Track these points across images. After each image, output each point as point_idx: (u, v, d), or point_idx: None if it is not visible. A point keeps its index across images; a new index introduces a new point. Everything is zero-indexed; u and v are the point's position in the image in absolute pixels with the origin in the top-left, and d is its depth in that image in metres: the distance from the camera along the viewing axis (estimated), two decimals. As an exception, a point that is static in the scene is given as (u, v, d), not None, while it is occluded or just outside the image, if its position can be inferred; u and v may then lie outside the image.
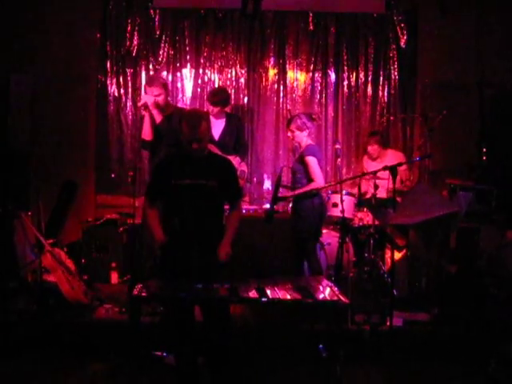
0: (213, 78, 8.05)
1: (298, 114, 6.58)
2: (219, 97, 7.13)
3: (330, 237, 6.89)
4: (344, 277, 6.17)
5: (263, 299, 4.24)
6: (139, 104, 6.31)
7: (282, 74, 8.07)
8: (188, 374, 4.62)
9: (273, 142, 8.11)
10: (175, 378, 4.66)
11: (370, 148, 7.39)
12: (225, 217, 4.90)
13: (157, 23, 7.93)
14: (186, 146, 4.56)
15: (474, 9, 7.80)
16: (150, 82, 6.35)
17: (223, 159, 4.95)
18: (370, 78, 8.06)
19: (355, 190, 6.82)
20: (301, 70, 8.05)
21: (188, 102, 8.02)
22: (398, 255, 6.49)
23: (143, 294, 4.25)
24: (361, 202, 6.78)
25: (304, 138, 6.32)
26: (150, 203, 4.77)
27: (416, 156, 7.45)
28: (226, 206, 4.92)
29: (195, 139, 4.51)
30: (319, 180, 6.16)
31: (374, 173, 6.09)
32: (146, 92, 6.30)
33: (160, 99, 6.16)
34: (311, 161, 6.16)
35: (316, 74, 8.05)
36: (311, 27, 7.98)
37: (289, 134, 6.47)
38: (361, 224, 6.77)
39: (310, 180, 6.18)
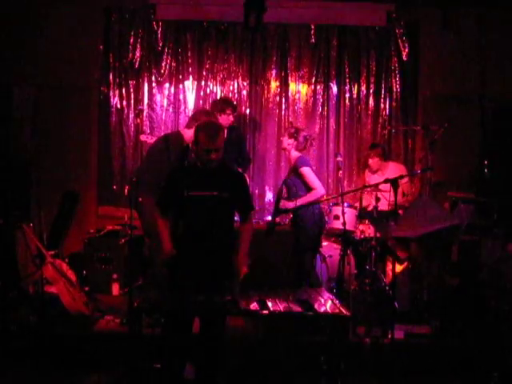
0: (215, 90, 8.05)
1: (298, 127, 6.56)
2: (233, 103, 7.26)
3: (331, 249, 6.85)
4: (345, 289, 6.16)
5: (264, 311, 4.23)
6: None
7: (284, 86, 8.08)
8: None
9: (274, 155, 8.10)
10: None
11: (370, 161, 7.36)
12: (235, 228, 4.87)
13: (159, 35, 7.94)
14: (203, 156, 4.55)
15: (475, 22, 7.83)
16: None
17: (235, 171, 5.04)
18: (371, 91, 8.06)
19: (357, 203, 6.81)
20: (303, 82, 8.06)
21: (190, 114, 8.00)
22: (399, 268, 6.48)
23: (144, 306, 4.24)
24: (362, 215, 6.77)
25: (289, 147, 6.17)
26: (160, 213, 4.75)
27: (417, 168, 7.46)
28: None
29: (214, 149, 4.51)
30: (319, 188, 6.04)
31: (376, 185, 6.10)
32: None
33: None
34: (306, 171, 6.05)
35: (318, 87, 8.06)
36: (313, 40, 8.00)
37: (282, 137, 6.53)
38: (362, 236, 6.74)
39: (310, 190, 6.04)
